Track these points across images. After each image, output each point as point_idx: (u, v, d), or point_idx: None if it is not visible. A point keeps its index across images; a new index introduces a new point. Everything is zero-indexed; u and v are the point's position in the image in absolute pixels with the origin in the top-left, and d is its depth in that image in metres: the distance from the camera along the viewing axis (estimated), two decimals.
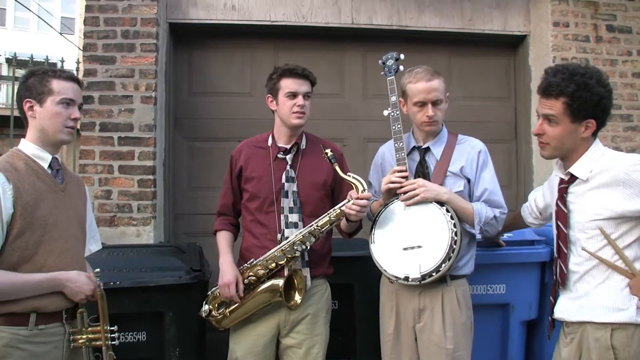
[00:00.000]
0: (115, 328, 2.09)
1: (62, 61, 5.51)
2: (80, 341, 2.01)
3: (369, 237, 2.42)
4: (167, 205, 3.74)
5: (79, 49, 18.19)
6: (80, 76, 3.80)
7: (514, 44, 4.24)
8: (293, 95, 2.45)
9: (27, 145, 1.99)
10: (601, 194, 1.91)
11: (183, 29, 3.86)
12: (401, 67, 2.49)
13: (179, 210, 3.88)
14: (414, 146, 2.48)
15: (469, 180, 2.41)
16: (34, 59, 4.77)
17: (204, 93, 3.96)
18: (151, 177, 3.48)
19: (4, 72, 18.32)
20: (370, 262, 2.68)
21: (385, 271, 2.32)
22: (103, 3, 3.54)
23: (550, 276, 2.82)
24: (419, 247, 2.26)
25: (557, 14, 3.92)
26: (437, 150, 2.43)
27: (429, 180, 2.36)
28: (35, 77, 2.00)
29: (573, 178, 1.99)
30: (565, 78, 1.90)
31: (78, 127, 2.22)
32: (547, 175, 3.90)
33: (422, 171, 2.43)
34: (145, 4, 3.55)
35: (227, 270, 2.38)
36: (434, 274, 2.21)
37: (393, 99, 2.43)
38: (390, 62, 2.52)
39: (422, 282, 2.23)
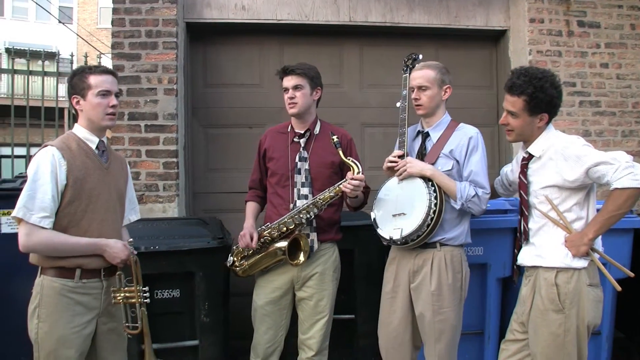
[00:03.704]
0: (147, 288, 2.43)
1: (72, 55, 5.84)
2: (118, 298, 2.37)
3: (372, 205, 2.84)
4: (187, 185, 4.18)
5: (78, 36, 18.49)
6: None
7: (495, 38, 4.65)
8: (285, 90, 2.90)
9: (79, 130, 2.40)
10: (547, 167, 2.40)
11: (198, 28, 4.27)
12: (417, 66, 2.82)
13: (197, 189, 4.32)
14: (419, 130, 2.84)
15: (458, 162, 2.68)
16: (32, 49, 5.04)
17: (218, 85, 4.38)
18: (174, 159, 3.93)
19: (4, 63, 18.60)
20: (367, 230, 3.13)
21: (379, 233, 2.73)
22: (128, 6, 3.95)
23: None
24: (404, 214, 2.64)
25: (533, 11, 4.34)
26: (435, 135, 2.76)
27: (424, 159, 2.73)
28: (76, 76, 2.39)
29: (531, 156, 2.48)
30: (526, 81, 2.35)
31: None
32: None
33: (420, 152, 2.78)
34: (166, 6, 3.97)
35: (245, 227, 2.87)
36: (414, 238, 2.58)
37: (404, 92, 2.81)
38: (409, 62, 2.87)
39: (405, 244, 2.63)
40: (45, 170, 2.22)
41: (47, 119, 5.05)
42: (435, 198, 2.58)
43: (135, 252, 2.45)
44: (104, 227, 2.37)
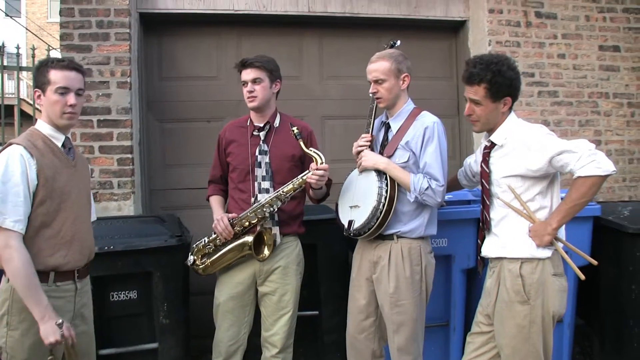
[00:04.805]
0: None
1: (18, 48, 5.54)
2: None
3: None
4: (143, 181, 4.03)
5: (27, 30, 17.82)
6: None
7: (455, 28, 4.65)
8: (244, 83, 2.83)
9: (43, 126, 2.26)
10: (510, 156, 2.38)
11: (152, 18, 4.10)
12: (372, 58, 2.75)
13: (154, 186, 4.18)
14: (382, 121, 2.83)
15: (415, 153, 2.64)
16: None
17: (174, 78, 4.22)
18: (129, 155, 3.78)
19: None
20: (329, 224, 3.09)
21: (339, 222, 2.75)
22: None
23: None
24: (358, 206, 2.67)
25: (492, 1, 4.33)
26: (395, 126, 2.73)
27: (384, 151, 2.71)
28: (39, 69, 2.24)
29: (493, 144, 2.46)
30: (483, 68, 2.34)
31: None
32: None
33: (383, 143, 2.76)
34: None
35: (217, 216, 2.79)
36: (366, 230, 2.60)
37: None
38: (388, 49, 2.83)
39: (359, 236, 2.66)
40: (15, 170, 2.10)
41: None
42: (386, 192, 2.59)
43: (73, 336, 2.16)
44: (77, 226, 2.27)
